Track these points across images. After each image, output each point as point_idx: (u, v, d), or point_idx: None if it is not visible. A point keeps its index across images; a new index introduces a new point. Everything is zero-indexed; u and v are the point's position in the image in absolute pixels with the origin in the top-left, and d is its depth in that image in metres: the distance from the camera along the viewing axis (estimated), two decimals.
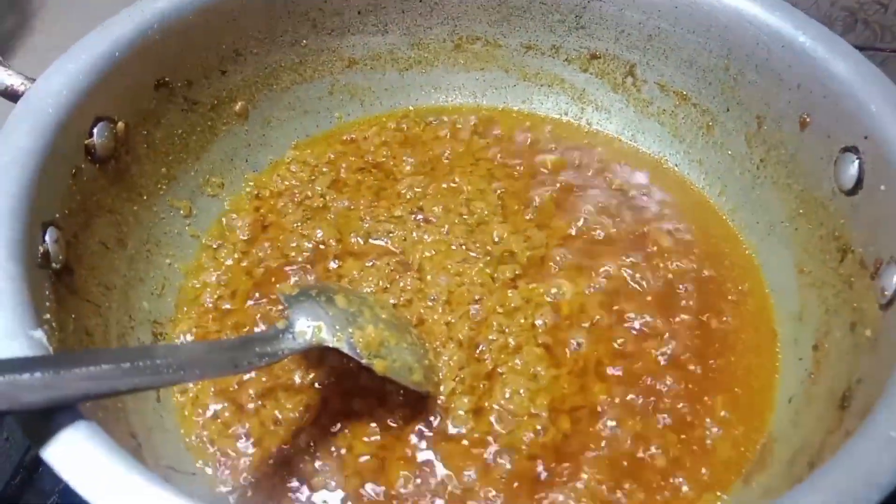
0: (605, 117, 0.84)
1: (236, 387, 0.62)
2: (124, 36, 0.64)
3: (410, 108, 0.86)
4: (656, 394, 0.62)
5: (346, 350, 0.57)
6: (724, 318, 0.67)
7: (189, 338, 0.66)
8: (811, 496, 0.41)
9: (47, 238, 0.53)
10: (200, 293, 0.69)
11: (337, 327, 0.57)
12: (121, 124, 0.64)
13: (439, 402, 0.61)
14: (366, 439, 0.59)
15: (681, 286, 0.69)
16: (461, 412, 0.60)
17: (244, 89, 0.77)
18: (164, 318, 0.66)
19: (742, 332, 0.67)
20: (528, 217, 0.74)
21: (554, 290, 0.68)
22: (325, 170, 0.79)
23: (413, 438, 0.59)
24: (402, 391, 0.60)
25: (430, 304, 0.66)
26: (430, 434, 0.59)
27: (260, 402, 0.61)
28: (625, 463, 0.58)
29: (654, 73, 0.79)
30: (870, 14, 1.03)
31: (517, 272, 0.69)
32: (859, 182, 0.60)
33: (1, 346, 0.44)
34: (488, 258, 0.70)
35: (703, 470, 0.58)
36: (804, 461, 0.52)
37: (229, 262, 0.71)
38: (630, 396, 0.61)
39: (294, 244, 0.72)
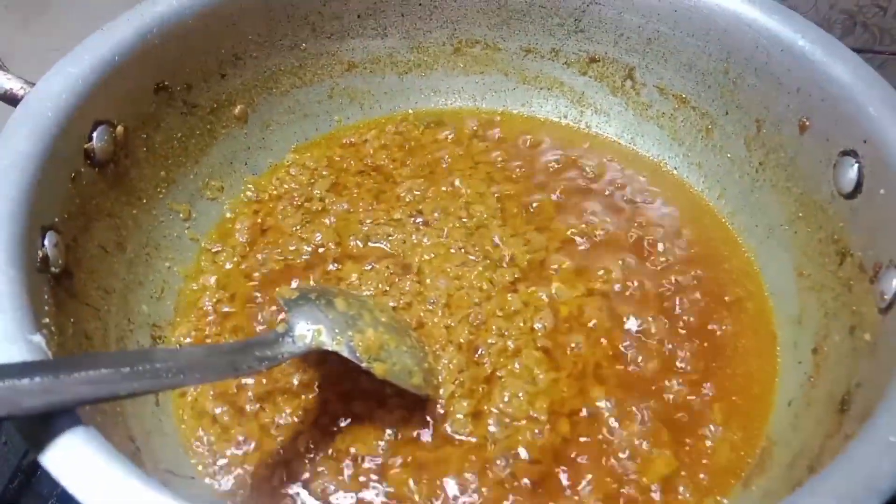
0: (605, 120, 0.84)
1: (235, 390, 0.62)
2: (124, 40, 0.64)
3: (410, 111, 0.86)
4: (655, 397, 0.62)
5: (345, 353, 0.57)
6: (724, 322, 0.67)
7: (188, 341, 0.66)
8: (811, 500, 0.41)
9: (46, 242, 0.53)
10: (200, 296, 0.69)
11: (336, 331, 0.57)
12: (120, 128, 0.64)
13: (439, 405, 0.61)
14: (365, 443, 0.59)
15: (680, 289, 0.69)
16: (460, 416, 0.60)
17: (243, 93, 0.77)
18: (163, 321, 0.66)
19: (741, 335, 0.67)
20: (527, 220, 0.74)
21: (553, 294, 0.68)
22: (324, 173, 0.79)
23: (412, 441, 0.59)
24: (401, 394, 0.60)
25: (429, 307, 0.66)
26: (430, 437, 0.59)
27: (259, 406, 0.61)
28: (624, 466, 0.58)
29: (654, 77, 0.79)
30: (869, 17, 1.03)
31: (516, 275, 0.69)
32: (858, 186, 0.60)
33: (0, 351, 0.44)
34: (488, 261, 0.70)
35: (703, 474, 0.58)
36: (804, 465, 0.52)
37: (228, 265, 0.71)
38: (629, 400, 0.61)
39: (293, 247, 0.72)
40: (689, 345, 0.65)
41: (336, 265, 0.70)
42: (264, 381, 0.62)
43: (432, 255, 0.70)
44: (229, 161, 0.77)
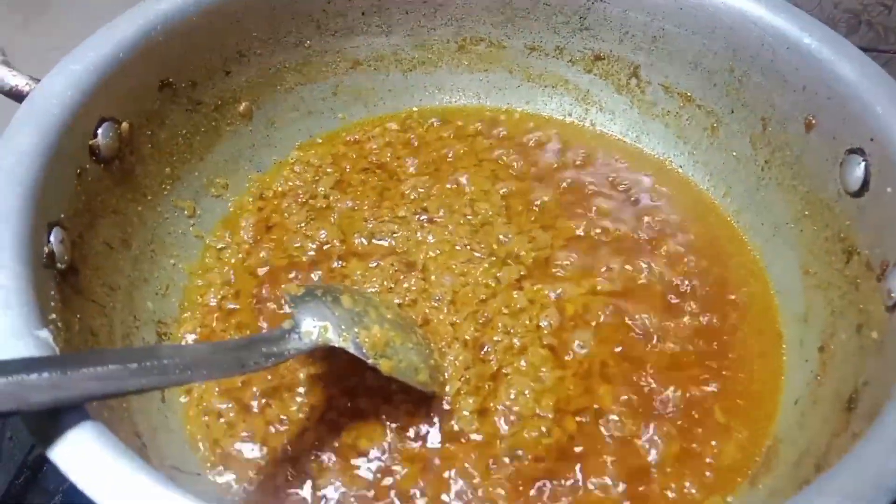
0: (610, 118, 0.84)
1: (241, 386, 0.62)
2: (128, 37, 0.64)
3: (414, 109, 0.86)
4: (661, 395, 0.62)
5: (352, 350, 0.57)
6: (729, 320, 0.67)
7: (193, 338, 0.66)
8: (819, 499, 0.41)
9: (52, 238, 0.53)
10: (204, 293, 0.69)
11: (343, 327, 0.57)
12: (125, 125, 0.64)
13: (444, 402, 0.61)
14: (371, 439, 0.59)
15: (685, 288, 0.69)
16: (466, 413, 0.60)
17: (248, 90, 0.77)
18: (168, 318, 0.66)
19: (747, 333, 0.66)
20: (532, 218, 0.74)
21: (559, 292, 0.67)
22: (328, 170, 0.79)
23: (418, 438, 0.59)
24: (407, 391, 0.60)
25: (435, 304, 0.66)
26: (435, 434, 0.59)
27: (265, 402, 0.61)
28: (630, 464, 0.58)
29: (659, 75, 0.79)
30: (873, 16, 1.02)
31: (522, 273, 0.69)
32: (865, 184, 0.60)
33: (7, 347, 0.44)
34: (493, 259, 0.70)
35: (709, 472, 0.58)
36: (810, 463, 0.52)
37: (233, 262, 0.71)
38: (635, 398, 0.61)
39: (298, 244, 0.72)
40: (694, 343, 0.65)
41: (340, 262, 0.70)
42: (270, 377, 0.62)
43: (437, 252, 0.70)
44: (234, 158, 0.77)
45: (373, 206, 0.75)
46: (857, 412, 0.52)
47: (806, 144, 0.67)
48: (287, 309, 0.65)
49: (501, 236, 0.72)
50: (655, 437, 0.59)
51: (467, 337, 0.64)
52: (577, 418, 0.60)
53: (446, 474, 0.57)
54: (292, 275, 0.70)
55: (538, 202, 0.76)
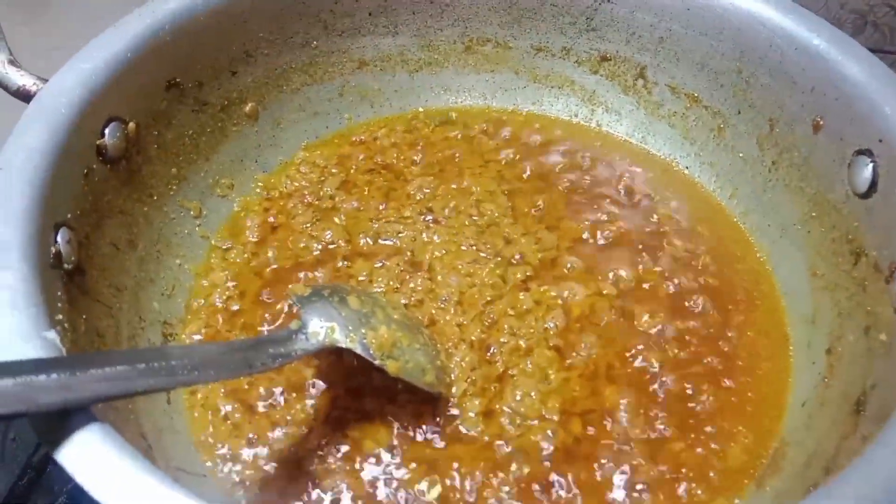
0: (616, 119, 0.84)
1: (247, 387, 0.62)
2: (136, 36, 0.64)
3: (420, 109, 0.86)
4: (668, 397, 0.61)
5: (359, 351, 0.57)
6: (736, 322, 0.67)
7: (199, 338, 0.66)
8: (829, 503, 0.41)
9: (59, 239, 0.53)
10: (210, 294, 0.69)
11: (350, 328, 0.57)
12: (132, 125, 0.64)
13: (451, 403, 0.60)
14: (376, 440, 0.59)
15: (692, 289, 0.69)
16: (472, 414, 0.60)
17: (254, 90, 0.77)
18: (174, 318, 0.66)
19: (754, 335, 0.66)
20: (538, 219, 0.74)
21: (565, 293, 0.67)
22: (334, 171, 0.79)
23: (424, 439, 0.59)
24: (413, 391, 0.60)
25: (441, 304, 0.66)
26: (441, 435, 0.59)
27: (270, 403, 0.61)
28: (636, 466, 0.58)
29: (666, 76, 0.79)
30: (879, 16, 1.02)
31: (528, 274, 0.69)
32: (873, 185, 0.59)
33: (15, 348, 0.43)
34: (499, 259, 0.70)
35: (716, 473, 0.58)
36: (819, 466, 0.52)
37: (239, 262, 0.71)
38: (641, 400, 0.61)
39: (303, 245, 0.72)
40: (701, 345, 0.65)
41: (346, 262, 0.70)
42: (276, 377, 0.62)
43: (443, 252, 0.70)
44: (240, 159, 0.77)
45: (378, 206, 0.75)
46: (866, 415, 0.52)
47: (814, 145, 0.67)
48: (293, 309, 0.65)
49: (507, 237, 0.72)
50: (661, 439, 0.59)
51: (473, 338, 0.64)
52: (583, 420, 0.60)
53: (452, 476, 0.57)
54: (298, 275, 0.70)
55: (544, 203, 0.75)
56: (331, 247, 0.72)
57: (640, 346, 0.64)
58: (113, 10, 0.65)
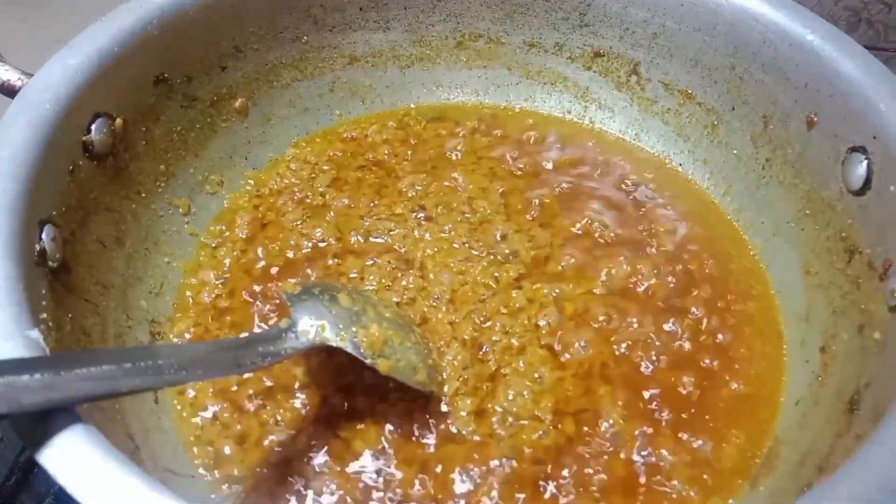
0: (609, 116, 0.84)
1: (236, 387, 0.61)
2: (124, 31, 0.63)
3: (412, 105, 0.85)
4: (661, 396, 0.61)
5: (349, 349, 0.56)
6: (729, 320, 0.67)
7: (187, 337, 0.65)
8: (824, 503, 0.40)
9: (44, 236, 0.52)
10: (199, 292, 0.68)
11: (340, 326, 0.56)
12: (119, 120, 0.63)
13: (442, 402, 0.60)
14: (367, 440, 0.58)
15: (684, 287, 0.68)
16: (464, 413, 0.59)
17: (244, 86, 0.76)
18: (162, 317, 0.66)
19: (747, 333, 0.66)
20: (531, 216, 0.74)
21: (558, 291, 0.67)
22: (325, 168, 0.78)
23: (415, 439, 0.58)
24: (404, 390, 0.59)
25: (433, 302, 0.65)
26: (433, 435, 0.59)
27: (260, 403, 0.60)
28: (630, 466, 0.57)
29: (659, 72, 0.79)
30: (873, 13, 1.02)
31: (521, 272, 0.68)
32: (868, 182, 0.59)
33: None
34: (492, 257, 0.69)
35: (709, 473, 0.58)
36: (813, 465, 0.52)
37: (228, 260, 0.70)
38: (635, 399, 0.61)
39: (293, 242, 0.71)
40: (694, 342, 0.65)
41: (337, 260, 0.70)
42: (265, 377, 0.61)
43: (435, 250, 0.70)
44: (229, 155, 0.76)
45: (369, 203, 0.75)
46: (860, 413, 0.51)
47: (807, 142, 0.66)
48: (283, 307, 0.65)
49: (500, 235, 0.71)
50: (655, 438, 0.59)
51: (466, 336, 0.63)
52: (576, 419, 0.59)
53: (443, 475, 0.57)
54: (288, 273, 0.69)
55: (537, 200, 0.75)
56: (321, 244, 0.71)
57: (634, 345, 0.64)
58: (110, 4, 0.64)
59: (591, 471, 0.57)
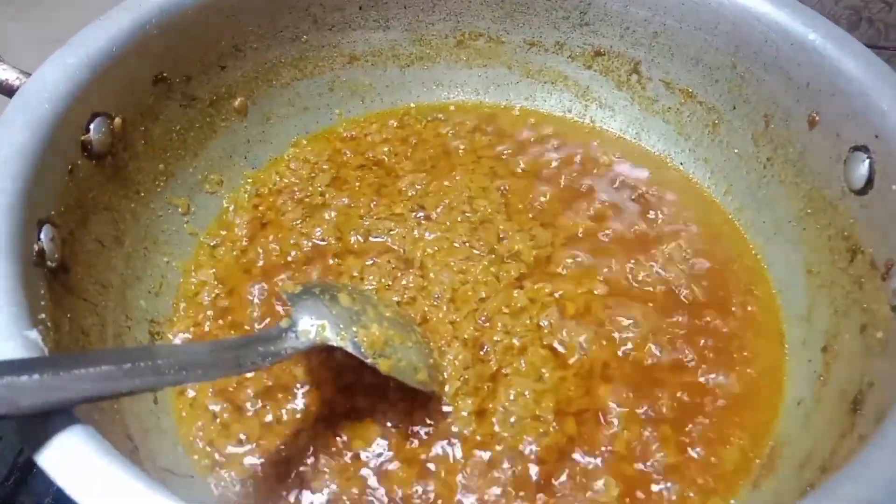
0: (610, 115, 0.83)
1: (235, 387, 0.61)
2: (122, 30, 0.63)
3: (412, 104, 0.85)
4: (662, 396, 0.61)
5: (350, 349, 0.56)
6: (730, 319, 0.66)
7: (187, 337, 0.65)
8: None
9: (43, 236, 0.52)
10: (198, 291, 0.68)
11: (341, 326, 0.56)
12: (118, 120, 0.62)
13: (443, 402, 0.60)
14: (367, 440, 0.58)
15: (686, 287, 0.68)
16: (465, 413, 0.59)
17: (243, 85, 0.76)
18: (161, 316, 0.65)
19: (749, 333, 0.66)
20: (531, 216, 0.73)
21: (560, 291, 0.67)
22: (325, 167, 0.78)
23: (416, 439, 0.58)
24: (405, 389, 0.59)
25: (434, 302, 0.65)
26: (433, 435, 0.58)
27: (259, 403, 0.60)
28: (631, 466, 0.57)
29: (660, 71, 0.79)
30: (874, 12, 1.02)
31: (522, 271, 0.68)
32: (870, 181, 0.59)
33: None
34: (493, 257, 0.69)
35: (710, 474, 0.57)
36: (816, 465, 0.52)
37: (228, 260, 0.70)
38: (636, 399, 0.61)
39: (293, 242, 0.71)
40: (695, 342, 0.64)
41: (337, 260, 0.69)
42: (265, 377, 0.61)
43: (435, 249, 0.69)
44: (229, 154, 0.76)
45: (369, 203, 0.74)
46: (863, 414, 0.51)
47: (809, 141, 0.66)
48: (283, 307, 0.65)
49: (501, 234, 0.71)
50: (656, 439, 0.58)
51: (466, 336, 0.63)
52: (578, 420, 0.59)
53: (443, 476, 0.56)
54: (288, 273, 0.69)
55: (538, 200, 0.75)
56: (321, 244, 0.71)
57: (635, 345, 0.64)
58: (109, 4, 0.64)
59: (591, 471, 0.56)
